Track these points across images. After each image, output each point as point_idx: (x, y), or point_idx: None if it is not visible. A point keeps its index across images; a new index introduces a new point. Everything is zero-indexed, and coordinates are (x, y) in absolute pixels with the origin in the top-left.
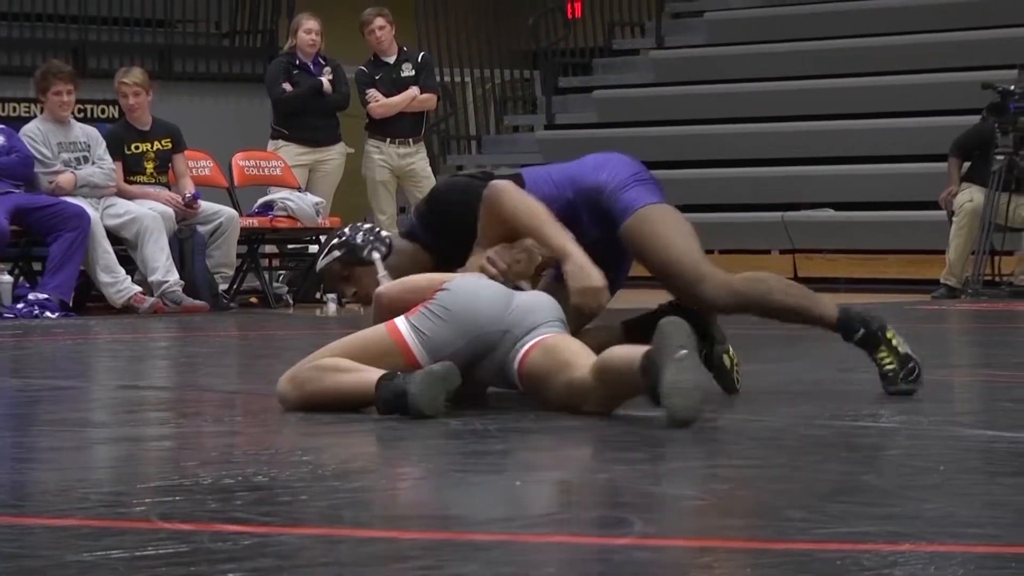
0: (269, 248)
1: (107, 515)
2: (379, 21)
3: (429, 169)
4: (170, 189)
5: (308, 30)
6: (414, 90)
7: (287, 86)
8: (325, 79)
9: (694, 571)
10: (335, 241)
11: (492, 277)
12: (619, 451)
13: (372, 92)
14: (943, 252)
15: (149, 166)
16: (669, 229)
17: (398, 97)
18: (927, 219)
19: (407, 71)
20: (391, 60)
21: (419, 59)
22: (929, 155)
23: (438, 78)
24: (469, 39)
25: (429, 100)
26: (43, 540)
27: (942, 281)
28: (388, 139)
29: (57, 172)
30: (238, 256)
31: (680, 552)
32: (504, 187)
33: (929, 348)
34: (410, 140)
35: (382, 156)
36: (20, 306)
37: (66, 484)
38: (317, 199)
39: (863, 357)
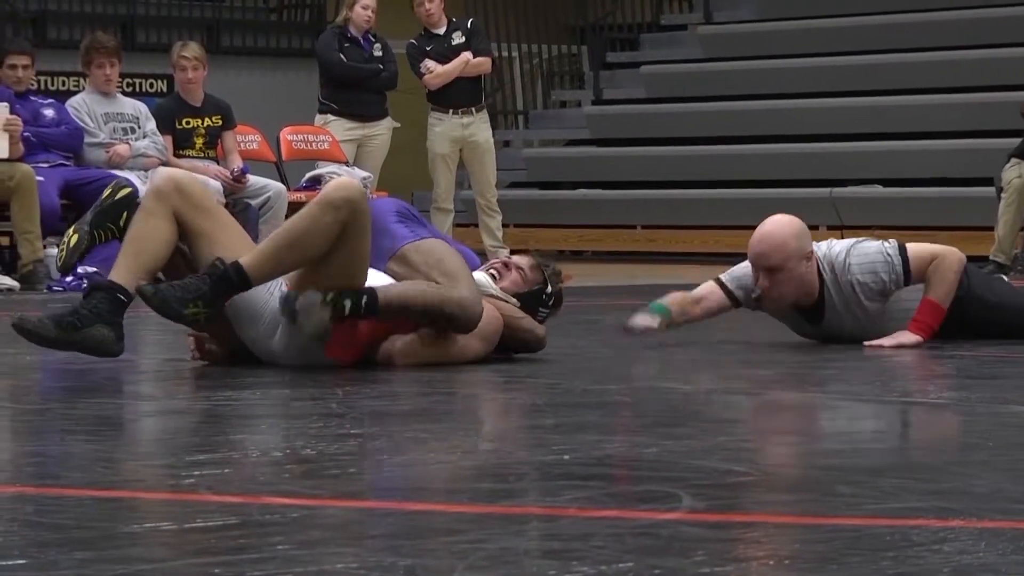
0: None
1: (156, 487)
2: None
3: (492, 141)
4: (218, 164)
5: (365, 6)
6: (467, 55)
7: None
8: (379, 65)
9: (742, 546)
10: None
11: None
12: (667, 426)
13: (427, 63)
14: (992, 228)
15: (199, 141)
16: None
17: (452, 64)
18: (976, 195)
19: (458, 39)
20: (441, 32)
21: (468, 25)
22: (978, 131)
23: None
24: (516, 14)
25: (483, 63)
26: (93, 512)
27: (991, 257)
28: (450, 110)
29: (103, 144)
30: None
31: (728, 527)
32: None
33: None
34: (472, 109)
35: (443, 128)
36: (69, 279)
37: (115, 456)
38: (365, 173)
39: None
